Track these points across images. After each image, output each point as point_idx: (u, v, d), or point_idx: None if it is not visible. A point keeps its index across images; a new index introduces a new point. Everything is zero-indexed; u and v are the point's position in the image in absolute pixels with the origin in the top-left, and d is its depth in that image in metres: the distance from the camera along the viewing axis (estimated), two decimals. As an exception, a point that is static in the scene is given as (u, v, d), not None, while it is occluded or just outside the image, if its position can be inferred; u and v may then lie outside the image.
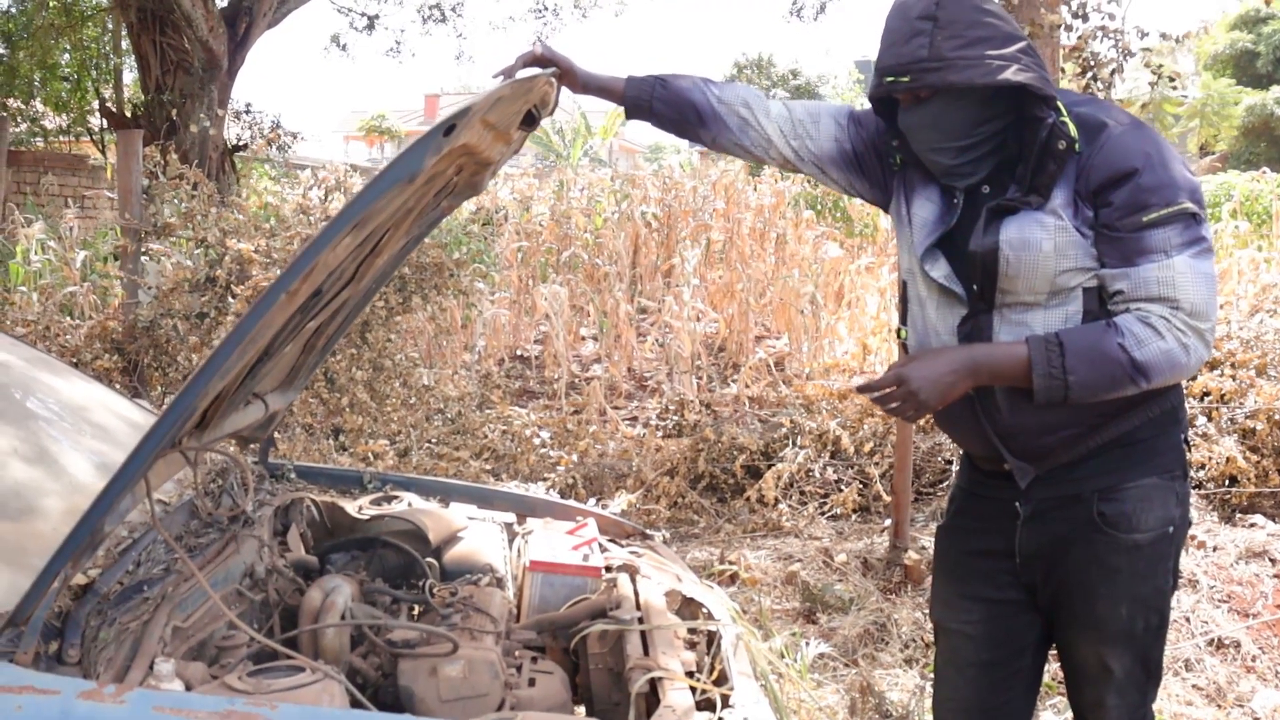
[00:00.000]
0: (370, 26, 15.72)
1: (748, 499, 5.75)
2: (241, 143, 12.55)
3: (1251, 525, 5.28)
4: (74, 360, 5.34)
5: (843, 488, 5.84)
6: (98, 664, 1.71)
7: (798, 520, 5.57)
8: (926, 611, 3.66)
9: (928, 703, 3.40)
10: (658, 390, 7.99)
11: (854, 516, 5.73)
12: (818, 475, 5.92)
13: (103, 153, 15.05)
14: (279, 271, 5.25)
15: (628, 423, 7.25)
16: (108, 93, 15.10)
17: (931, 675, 2.55)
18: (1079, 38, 4.88)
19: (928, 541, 4.98)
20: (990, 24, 2.02)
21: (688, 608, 2.51)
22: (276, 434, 2.87)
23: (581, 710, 2.38)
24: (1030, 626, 2.28)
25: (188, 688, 1.71)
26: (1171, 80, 5.18)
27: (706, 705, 2.06)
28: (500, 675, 2.06)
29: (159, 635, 1.81)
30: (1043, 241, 2.01)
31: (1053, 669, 3.43)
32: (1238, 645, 4.09)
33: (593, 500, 5.55)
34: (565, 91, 2.38)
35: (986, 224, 2.08)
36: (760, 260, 9.69)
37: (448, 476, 5.32)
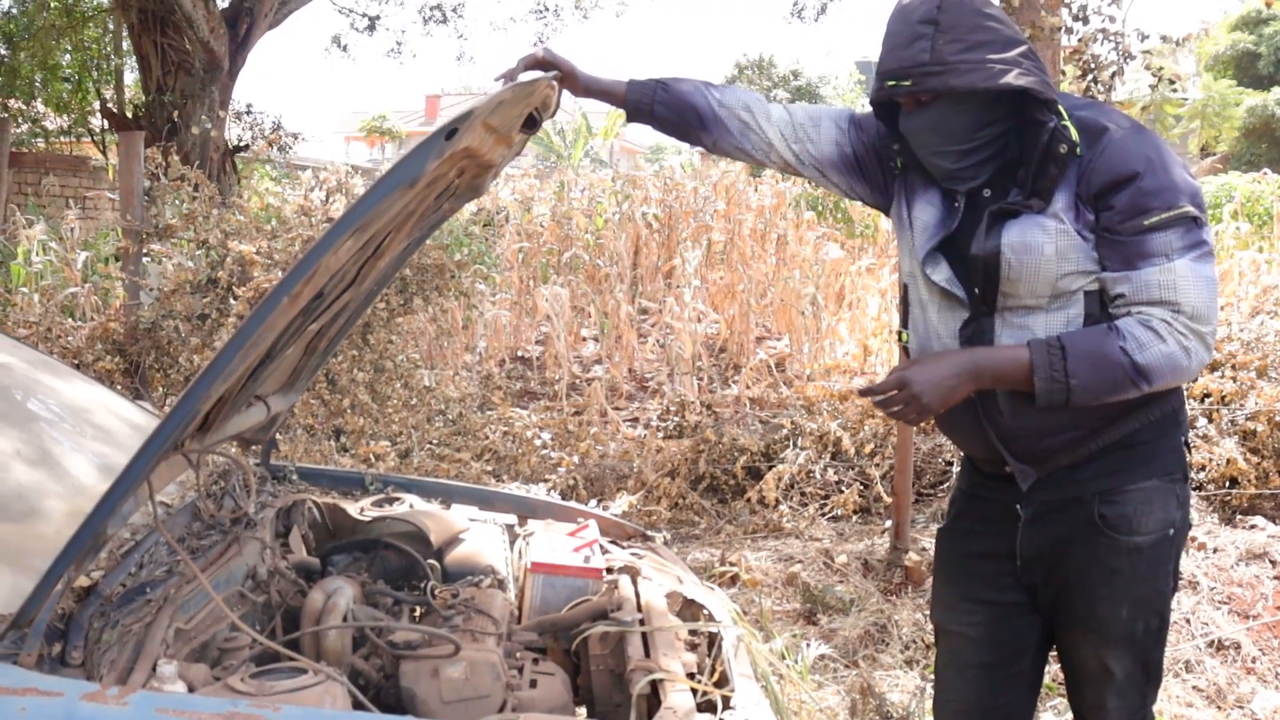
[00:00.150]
0: (371, 27, 15.73)
1: (748, 500, 5.75)
2: (243, 144, 12.55)
3: (1252, 527, 5.28)
4: (75, 362, 5.34)
5: (843, 489, 5.84)
6: (101, 666, 1.71)
7: (798, 521, 5.57)
8: (927, 613, 3.67)
9: (928, 704, 3.40)
10: (659, 391, 7.99)
11: (855, 518, 5.73)
12: (818, 476, 5.92)
13: (104, 154, 15.06)
14: (280, 273, 5.26)
15: (629, 424, 7.25)
16: (109, 94, 15.12)
17: (932, 677, 2.55)
18: (1079, 40, 4.89)
19: (928, 543, 4.98)
20: (992, 28, 2.03)
21: (689, 609, 2.52)
22: (278, 436, 2.87)
23: (583, 712, 2.38)
24: (1031, 628, 2.29)
25: (190, 689, 1.72)
26: (1172, 82, 5.19)
27: (708, 707, 2.06)
28: (502, 677, 2.07)
29: (162, 637, 1.82)
30: (1044, 245, 2.02)
31: (1053, 670, 3.43)
32: (1238, 647, 4.09)
33: (594, 501, 5.56)
34: (566, 94, 2.38)
35: (988, 228, 2.08)
36: (761, 261, 9.70)
37: (449, 478, 5.33)
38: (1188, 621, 4.23)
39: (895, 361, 6.85)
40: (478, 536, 2.74)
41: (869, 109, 2.28)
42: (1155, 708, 2.29)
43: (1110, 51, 4.84)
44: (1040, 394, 1.99)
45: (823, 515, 5.69)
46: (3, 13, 15.37)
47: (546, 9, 15.76)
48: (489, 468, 6.00)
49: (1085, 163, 2.02)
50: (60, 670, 1.66)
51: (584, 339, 9.39)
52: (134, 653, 1.78)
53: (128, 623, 1.82)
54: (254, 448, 2.78)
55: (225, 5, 11.77)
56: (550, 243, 10.35)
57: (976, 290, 2.11)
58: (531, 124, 2.29)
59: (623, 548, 2.84)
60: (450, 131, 1.75)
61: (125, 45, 14.12)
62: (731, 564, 4.85)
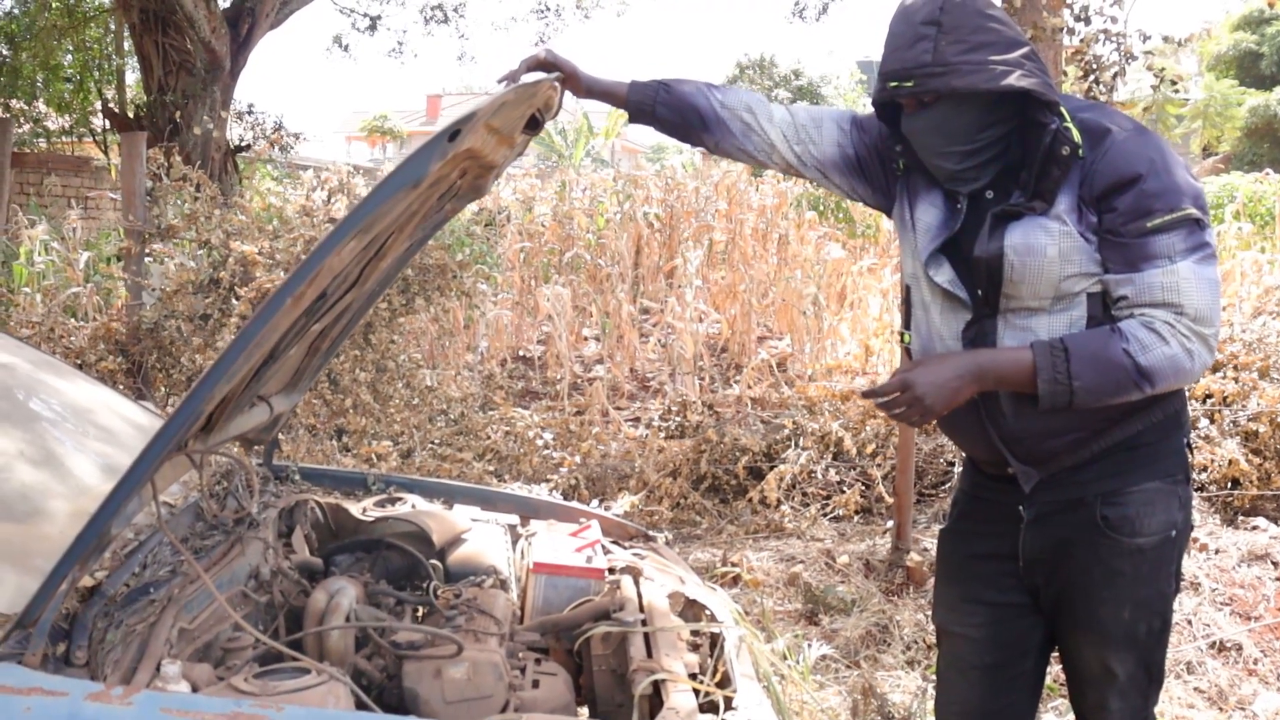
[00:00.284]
0: (372, 27, 15.73)
1: (750, 500, 5.76)
2: (244, 143, 12.55)
3: (1254, 528, 5.27)
4: (78, 362, 5.35)
5: (845, 489, 5.84)
6: (105, 666, 1.72)
7: (800, 522, 5.57)
8: (929, 613, 3.67)
9: (930, 705, 3.40)
10: (660, 391, 7.99)
11: (856, 518, 5.74)
12: (820, 477, 5.92)
13: (105, 154, 15.08)
14: (282, 273, 5.27)
15: (630, 424, 7.25)
16: (110, 94, 15.11)
17: (934, 677, 2.56)
18: (1081, 41, 4.89)
19: (930, 543, 4.99)
20: (994, 29, 2.03)
21: (691, 609, 2.52)
22: (281, 436, 2.88)
23: (585, 712, 2.39)
24: (1033, 630, 2.29)
25: (194, 689, 1.72)
26: (1174, 83, 5.19)
27: (710, 707, 2.07)
28: (504, 677, 2.07)
29: (165, 637, 1.82)
30: (1047, 247, 2.02)
31: (1054, 671, 3.43)
32: (1239, 648, 4.09)
33: (595, 501, 5.56)
34: (568, 95, 2.39)
35: (991, 229, 2.08)
36: (763, 261, 9.70)
37: (451, 478, 5.33)
38: (1189, 623, 4.23)
39: (897, 362, 6.85)
40: (480, 537, 2.74)
41: (871, 110, 2.29)
42: (1157, 709, 2.30)
43: (1112, 52, 4.84)
44: (1043, 396, 1.99)
45: (824, 516, 5.69)
46: (4, 13, 15.39)
47: (548, 9, 15.77)
48: (491, 468, 6.01)
49: (1088, 165, 2.02)
50: (65, 670, 1.66)
51: (585, 339, 9.40)
52: (138, 653, 1.78)
53: (132, 623, 1.82)
54: (257, 448, 2.78)
55: (226, 5, 11.78)
56: (552, 242, 10.35)
57: (979, 292, 2.11)
58: (534, 125, 2.30)
59: (625, 548, 2.84)
60: (453, 133, 1.76)
61: (127, 45, 14.12)
62: (733, 564, 4.85)
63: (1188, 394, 4.06)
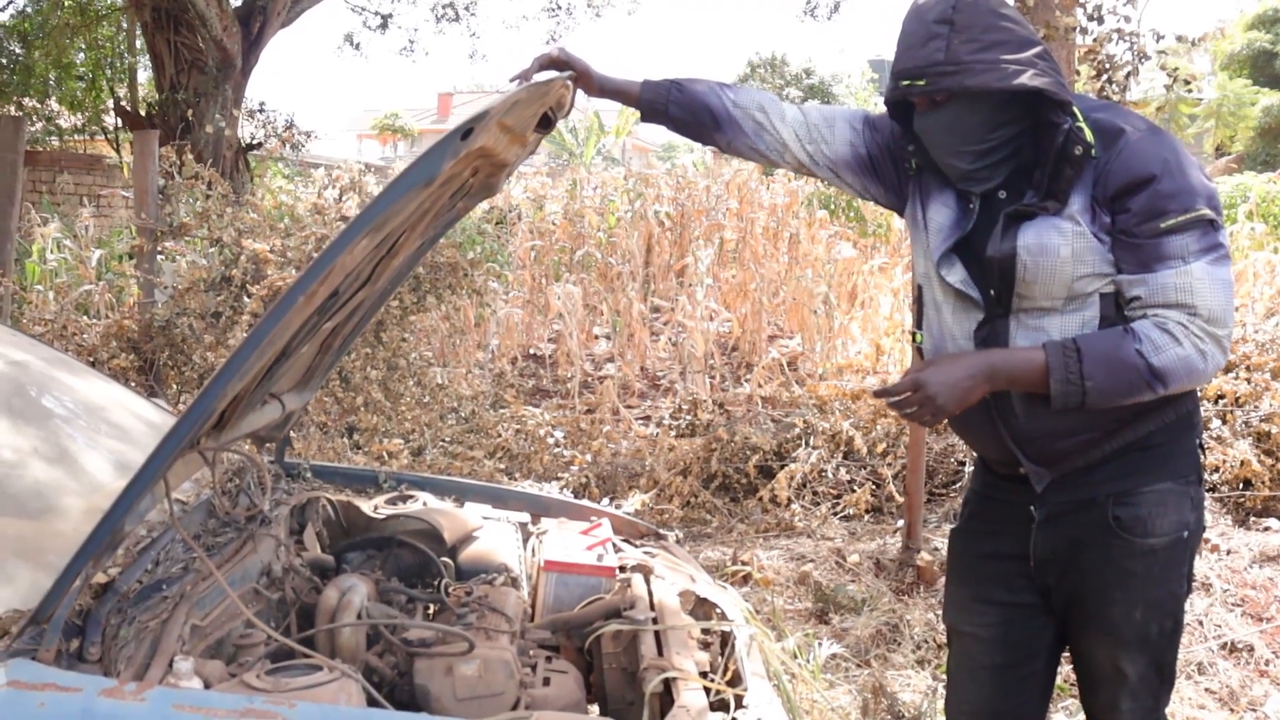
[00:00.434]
0: (384, 25, 15.75)
1: (760, 499, 5.75)
2: (256, 141, 12.60)
3: (1266, 529, 5.26)
4: (90, 359, 5.37)
5: (855, 488, 5.84)
6: (118, 662, 1.73)
7: (810, 521, 5.57)
8: (939, 613, 3.66)
9: (940, 704, 3.39)
10: (671, 390, 8.00)
11: (867, 517, 5.73)
12: (830, 476, 5.92)
13: (118, 152, 15.13)
14: (294, 271, 5.29)
15: (641, 422, 7.26)
16: (122, 92, 15.18)
17: (944, 677, 2.55)
18: (1094, 40, 4.87)
19: (940, 542, 4.97)
20: (1007, 28, 2.03)
21: (701, 608, 2.52)
22: (292, 434, 2.89)
23: (595, 710, 2.39)
24: (1044, 630, 2.29)
25: (206, 686, 1.73)
26: (1187, 82, 5.17)
27: (720, 706, 2.06)
28: (515, 674, 2.07)
29: (178, 633, 1.83)
30: (1060, 247, 2.01)
31: (1064, 671, 3.42)
32: (1251, 649, 4.08)
33: (606, 500, 5.57)
34: (580, 93, 2.39)
35: (1004, 229, 2.08)
36: (773, 260, 9.69)
37: (462, 476, 5.33)
38: (1201, 623, 4.22)
39: (908, 361, 6.84)
40: (491, 534, 2.74)
41: (883, 109, 2.28)
42: (1168, 710, 2.29)
43: (1125, 51, 4.82)
44: (1055, 396, 1.99)
45: (835, 514, 5.69)
46: (17, 11, 15.48)
47: (559, 7, 15.76)
48: (502, 466, 6.02)
49: (1101, 165, 2.01)
50: (78, 666, 1.67)
51: (596, 337, 9.40)
52: (151, 649, 1.79)
53: (144, 619, 1.83)
54: (268, 445, 2.79)
55: (238, 3, 11.82)
56: (562, 241, 10.36)
57: (992, 292, 2.10)
58: (546, 124, 2.30)
59: (635, 546, 2.84)
60: (466, 131, 1.76)
61: (139, 44, 14.18)
62: (744, 563, 4.85)
63: (1200, 395, 4.05)
